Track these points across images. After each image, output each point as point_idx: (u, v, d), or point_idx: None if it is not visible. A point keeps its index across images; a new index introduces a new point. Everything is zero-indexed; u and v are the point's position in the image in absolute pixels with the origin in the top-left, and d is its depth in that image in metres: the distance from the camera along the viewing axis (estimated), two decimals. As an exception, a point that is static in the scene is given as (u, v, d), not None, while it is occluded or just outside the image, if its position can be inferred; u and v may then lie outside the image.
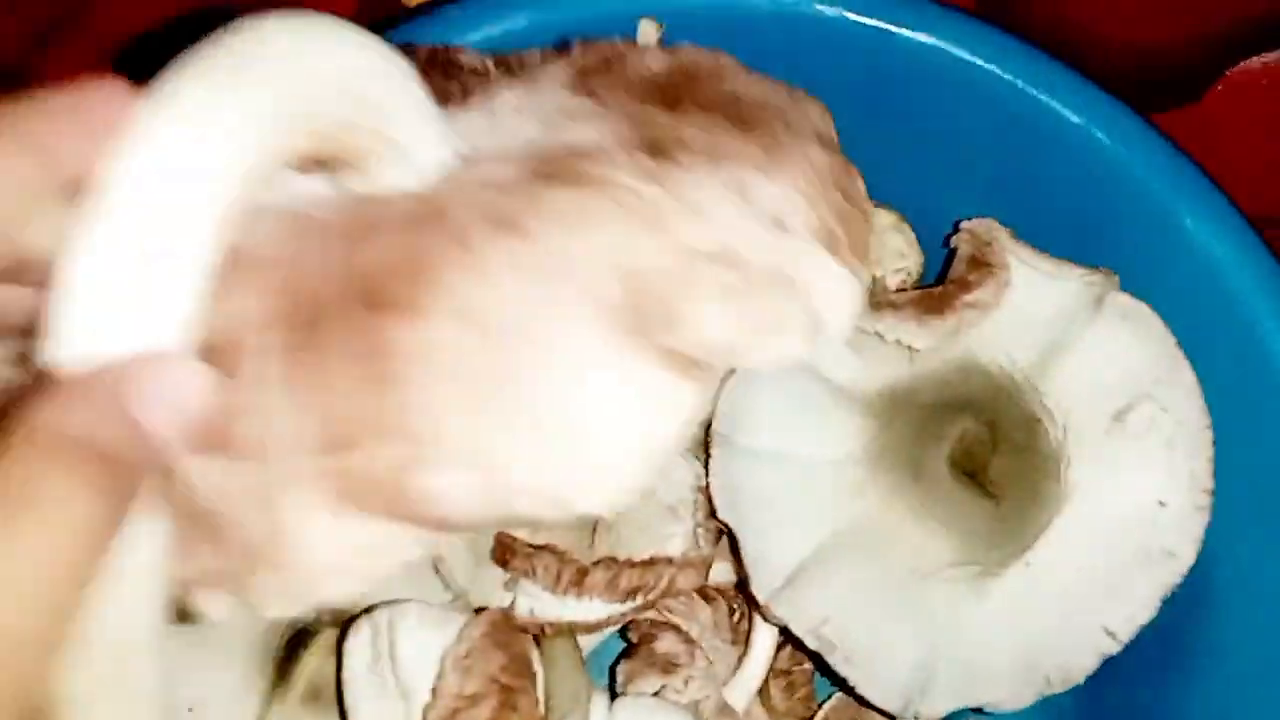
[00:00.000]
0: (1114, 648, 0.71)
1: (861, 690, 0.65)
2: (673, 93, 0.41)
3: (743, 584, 0.70)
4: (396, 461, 0.32)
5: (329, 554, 0.33)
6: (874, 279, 0.75)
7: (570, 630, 0.67)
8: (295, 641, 0.67)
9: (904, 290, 0.77)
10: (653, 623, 0.75)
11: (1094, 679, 0.71)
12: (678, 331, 0.33)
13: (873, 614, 0.65)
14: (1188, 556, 0.70)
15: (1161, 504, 0.71)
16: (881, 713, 0.76)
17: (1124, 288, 0.73)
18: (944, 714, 0.68)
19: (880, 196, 0.80)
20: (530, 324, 0.33)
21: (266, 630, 0.68)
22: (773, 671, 0.77)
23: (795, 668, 0.79)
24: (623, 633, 0.77)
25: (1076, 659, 0.71)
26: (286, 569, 0.33)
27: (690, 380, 0.33)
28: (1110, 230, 0.75)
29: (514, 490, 0.33)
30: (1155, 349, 0.72)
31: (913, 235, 0.79)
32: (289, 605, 0.34)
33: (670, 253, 0.34)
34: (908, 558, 0.69)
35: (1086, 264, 0.73)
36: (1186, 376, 0.71)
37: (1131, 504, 0.71)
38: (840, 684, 0.68)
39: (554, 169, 0.35)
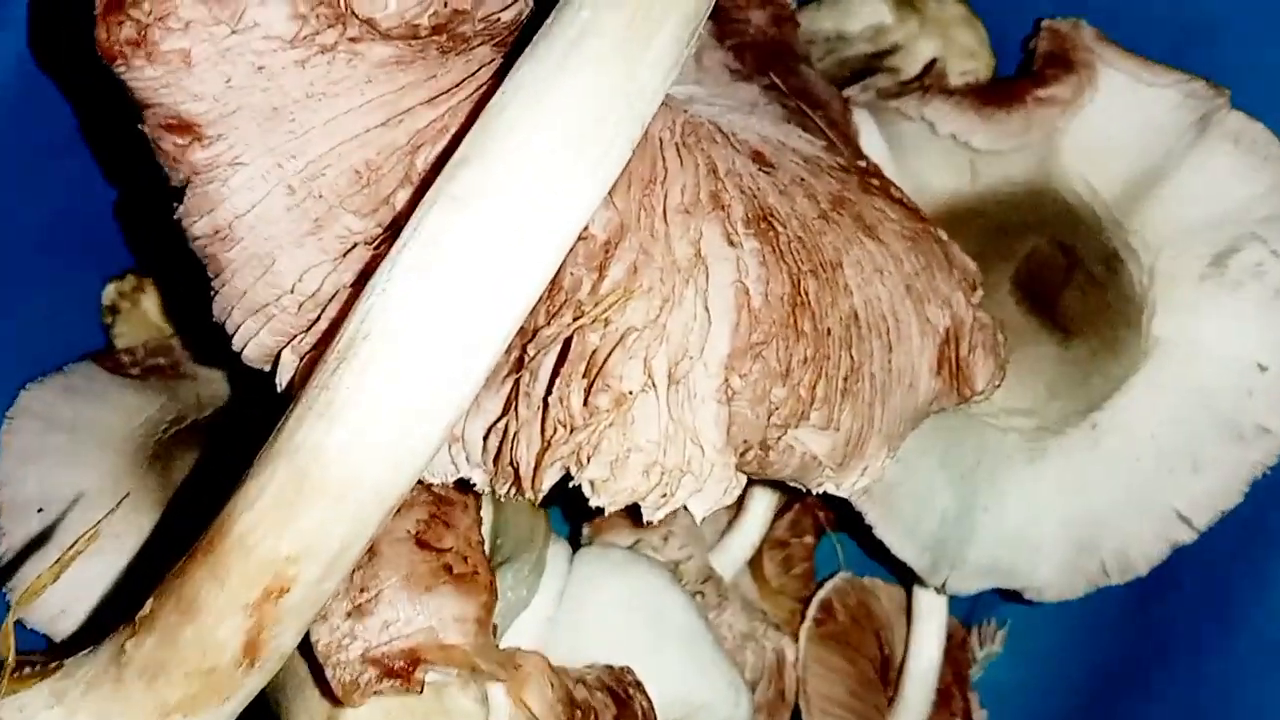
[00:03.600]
0: (1187, 535, 0.58)
1: (881, 533, 0.52)
2: None
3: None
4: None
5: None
6: (933, 63, 0.62)
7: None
8: (172, 445, 0.54)
9: (969, 85, 0.63)
10: (630, 469, 0.62)
11: (1156, 578, 0.59)
12: None
13: (906, 444, 0.52)
14: (1286, 433, 0.58)
15: (1261, 368, 0.58)
16: (903, 579, 0.64)
17: (1237, 104, 0.59)
18: (976, 589, 0.56)
19: (953, -15, 0.66)
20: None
21: (140, 430, 0.54)
22: (768, 541, 0.65)
23: (794, 540, 0.66)
24: (592, 480, 0.64)
25: (1141, 544, 0.58)
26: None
27: None
28: (1225, 36, 0.61)
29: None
30: (1269, 179, 0.59)
31: (984, 33, 0.65)
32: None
33: None
34: (954, 395, 0.56)
35: (1192, 73, 0.60)
36: (1307, 214, 0.58)
37: (1224, 366, 0.59)
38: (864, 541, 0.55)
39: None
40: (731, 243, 0.38)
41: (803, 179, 0.43)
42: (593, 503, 0.35)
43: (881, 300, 0.42)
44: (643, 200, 0.37)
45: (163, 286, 0.59)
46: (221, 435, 0.54)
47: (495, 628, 0.42)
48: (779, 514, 0.65)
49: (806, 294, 0.39)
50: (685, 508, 0.36)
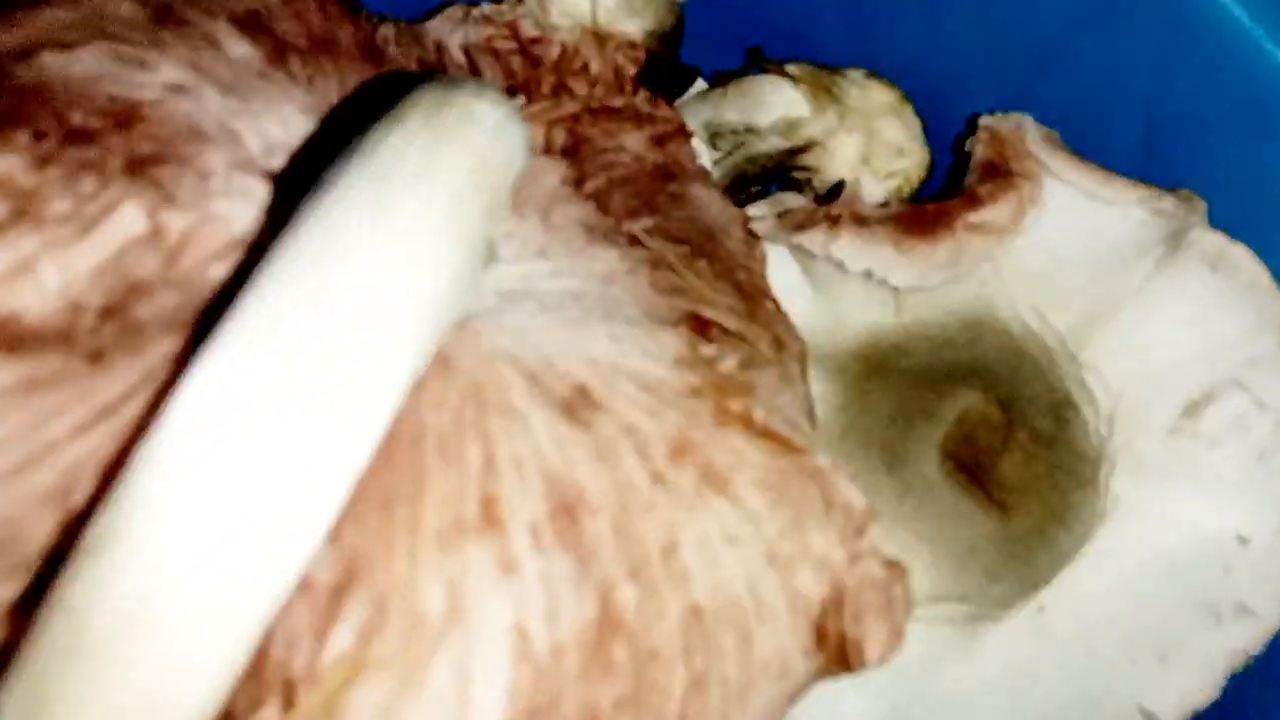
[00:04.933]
0: (1154, 737, 0.50)
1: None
2: None
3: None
4: None
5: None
6: (840, 185, 0.52)
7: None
8: None
9: (887, 206, 0.54)
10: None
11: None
12: None
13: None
14: (1271, 616, 0.49)
15: (1241, 540, 0.50)
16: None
17: (1215, 222, 0.50)
18: (902, 825, 0.48)
19: (880, 66, 0.57)
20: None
21: None
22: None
23: None
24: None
25: (1099, 751, 0.50)
26: None
27: None
28: (1201, 139, 0.52)
29: None
30: (1253, 313, 0.50)
31: (918, 126, 0.56)
32: None
33: None
34: (867, 599, 0.47)
35: (1160, 184, 0.50)
36: (1297, 357, 0.49)
37: (1198, 535, 0.51)
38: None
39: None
40: (509, 569, 0.29)
41: (634, 425, 0.34)
42: None
43: (735, 580, 0.34)
44: (382, 530, 0.28)
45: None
46: None
47: None
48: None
49: (621, 611, 0.30)
50: None
